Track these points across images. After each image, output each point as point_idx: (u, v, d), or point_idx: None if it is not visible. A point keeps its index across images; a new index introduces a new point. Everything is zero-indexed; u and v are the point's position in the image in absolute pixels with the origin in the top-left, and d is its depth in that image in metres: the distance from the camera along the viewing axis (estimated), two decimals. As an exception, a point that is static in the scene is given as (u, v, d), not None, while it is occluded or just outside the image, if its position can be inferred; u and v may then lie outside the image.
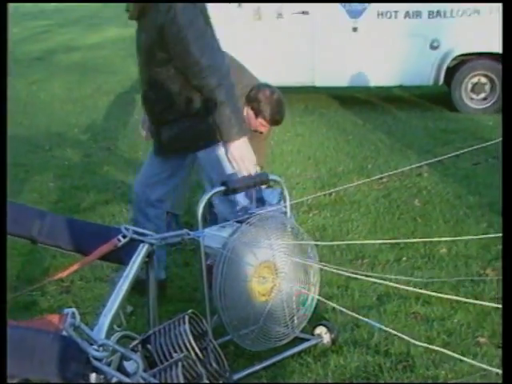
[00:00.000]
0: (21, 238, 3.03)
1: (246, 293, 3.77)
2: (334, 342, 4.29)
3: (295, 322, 4.07)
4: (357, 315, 3.93)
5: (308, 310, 4.15)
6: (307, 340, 4.21)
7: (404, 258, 5.57)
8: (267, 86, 5.34)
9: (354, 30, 11.26)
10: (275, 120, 5.37)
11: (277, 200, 4.29)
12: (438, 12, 11.06)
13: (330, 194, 6.84)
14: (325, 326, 4.30)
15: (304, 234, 4.12)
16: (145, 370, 2.51)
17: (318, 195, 6.10)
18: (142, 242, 3.09)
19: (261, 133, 5.37)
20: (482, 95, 11.26)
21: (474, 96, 11.27)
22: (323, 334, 4.28)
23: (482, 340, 4.31)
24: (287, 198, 4.12)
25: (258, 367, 3.90)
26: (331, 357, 4.17)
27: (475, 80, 11.23)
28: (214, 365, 2.94)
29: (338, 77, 11.56)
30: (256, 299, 3.83)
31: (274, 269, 3.90)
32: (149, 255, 3.12)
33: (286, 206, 4.09)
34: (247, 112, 5.14)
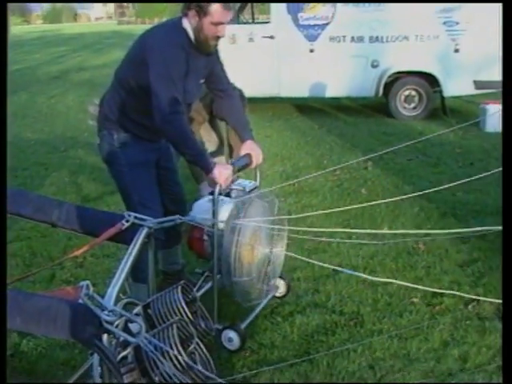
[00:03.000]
0: (43, 223, 2.98)
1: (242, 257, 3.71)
2: (288, 289, 4.34)
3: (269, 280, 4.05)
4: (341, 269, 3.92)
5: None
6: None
7: (354, 236, 5.55)
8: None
9: (311, 51, 11.29)
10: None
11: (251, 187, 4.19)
12: (377, 38, 11.14)
13: (294, 184, 6.84)
14: (281, 277, 4.29)
15: (283, 210, 4.08)
16: (146, 331, 2.49)
17: (284, 185, 6.07)
18: (142, 225, 3.06)
19: None
20: (413, 105, 11.36)
21: (406, 105, 11.37)
22: (280, 284, 4.30)
23: (415, 300, 4.33)
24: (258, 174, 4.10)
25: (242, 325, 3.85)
26: (296, 316, 4.16)
27: (407, 93, 11.34)
28: (203, 325, 2.92)
29: (298, 89, 11.58)
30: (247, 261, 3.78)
31: (258, 239, 3.85)
32: (148, 236, 3.08)
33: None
34: None
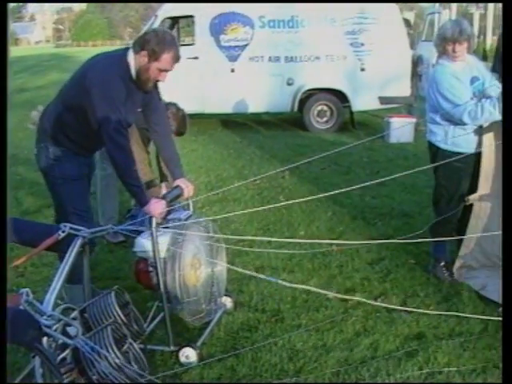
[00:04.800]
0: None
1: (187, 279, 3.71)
2: (235, 306, 4.31)
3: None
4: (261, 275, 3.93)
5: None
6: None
7: (273, 240, 5.63)
8: (174, 104, 5.19)
9: (232, 70, 11.37)
10: (181, 132, 5.22)
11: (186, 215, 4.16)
12: (292, 58, 11.32)
13: (218, 194, 6.86)
14: (227, 295, 4.28)
15: (215, 228, 4.07)
16: (83, 334, 2.49)
17: (209, 195, 6.10)
18: (77, 235, 3.05)
19: None
20: (325, 119, 11.60)
21: (318, 119, 11.59)
22: (227, 302, 4.28)
23: (330, 296, 4.40)
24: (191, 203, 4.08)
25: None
26: (222, 316, 4.17)
27: (319, 108, 11.56)
28: (135, 326, 2.93)
29: (222, 106, 11.62)
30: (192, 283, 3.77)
31: (199, 261, 3.85)
32: (83, 245, 3.08)
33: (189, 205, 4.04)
34: None
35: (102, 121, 3.56)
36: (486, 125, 4.44)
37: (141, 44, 3.65)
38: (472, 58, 4.66)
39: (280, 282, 4.10)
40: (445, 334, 3.95)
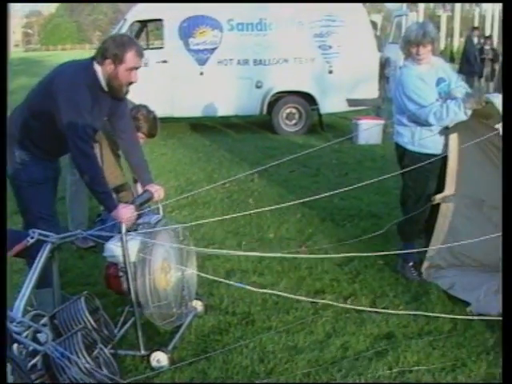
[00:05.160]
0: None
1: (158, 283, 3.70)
2: (206, 309, 4.31)
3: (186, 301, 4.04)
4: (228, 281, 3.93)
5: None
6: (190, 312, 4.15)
7: (244, 243, 5.66)
8: (144, 106, 5.16)
9: (201, 74, 11.35)
10: (152, 134, 5.20)
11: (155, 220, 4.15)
12: (260, 61, 11.36)
13: (188, 198, 6.84)
14: (198, 299, 4.28)
15: (185, 232, 4.07)
16: (53, 340, 2.48)
17: (178, 198, 6.07)
18: (46, 241, 3.04)
19: None
20: (293, 121, 11.68)
21: (287, 122, 11.66)
22: (198, 305, 4.27)
23: (300, 298, 4.42)
24: (160, 207, 4.07)
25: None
26: (194, 320, 4.15)
27: (288, 110, 11.63)
28: (105, 331, 2.93)
29: (191, 109, 11.61)
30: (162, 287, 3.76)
31: (168, 263, 3.85)
32: (52, 251, 3.06)
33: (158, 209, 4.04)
34: None
35: (68, 127, 3.56)
36: (451, 125, 4.52)
37: (102, 54, 3.68)
38: (438, 60, 4.74)
39: (248, 287, 4.10)
40: (414, 333, 4.00)
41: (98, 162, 3.70)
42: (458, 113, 4.31)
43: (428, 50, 4.57)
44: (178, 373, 3.56)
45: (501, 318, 4.00)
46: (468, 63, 15.09)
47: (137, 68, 3.74)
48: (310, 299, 4.29)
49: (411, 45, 4.58)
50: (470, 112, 4.30)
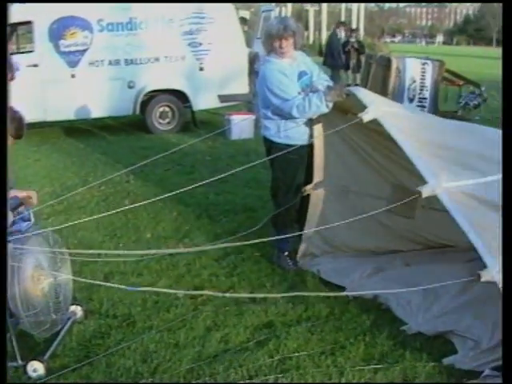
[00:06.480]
0: None
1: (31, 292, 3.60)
2: (86, 315, 4.25)
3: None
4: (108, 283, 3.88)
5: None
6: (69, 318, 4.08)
7: (121, 244, 5.62)
8: (9, 108, 4.99)
9: (73, 76, 11.05)
10: (19, 135, 5.04)
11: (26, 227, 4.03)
12: (132, 60, 11.23)
13: (63, 203, 6.70)
14: (77, 304, 4.21)
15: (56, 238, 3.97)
16: None
17: (52, 202, 5.89)
18: None
19: None
20: (167, 120, 11.65)
21: (161, 121, 11.62)
22: (77, 310, 4.21)
23: (179, 295, 4.43)
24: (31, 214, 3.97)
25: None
26: (73, 325, 4.10)
27: (161, 109, 11.58)
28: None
29: (64, 113, 11.27)
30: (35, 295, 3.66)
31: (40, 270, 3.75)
32: None
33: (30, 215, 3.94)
34: None
35: None
36: (315, 117, 4.69)
37: None
38: (299, 54, 4.89)
39: (124, 287, 4.06)
40: (293, 320, 4.14)
41: None
42: (320, 105, 4.48)
43: (290, 43, 4.71)
44: (63, 380, 3.52)
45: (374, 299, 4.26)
46: (332, 57, 15.59)
47: None
48: (189, 292, 4.34)
49: (273, 39, 4.70)
50: (331, 104, 4.48)
